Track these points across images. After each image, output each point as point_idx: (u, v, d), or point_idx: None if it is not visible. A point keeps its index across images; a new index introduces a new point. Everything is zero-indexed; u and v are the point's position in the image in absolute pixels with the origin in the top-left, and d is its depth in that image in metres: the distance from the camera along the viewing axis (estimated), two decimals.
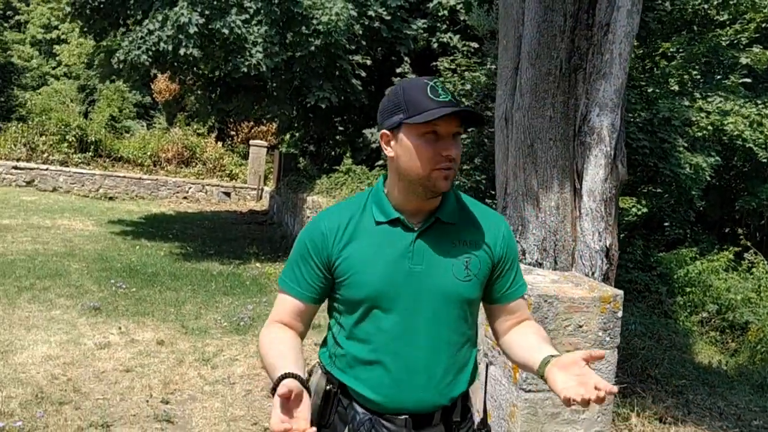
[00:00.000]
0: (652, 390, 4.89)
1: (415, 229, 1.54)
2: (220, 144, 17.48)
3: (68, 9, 8.59)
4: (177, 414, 3.79)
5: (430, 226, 1.55)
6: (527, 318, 1.70)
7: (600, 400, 1.34)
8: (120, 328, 5.33)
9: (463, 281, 1.54)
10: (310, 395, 1.42)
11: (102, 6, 8.58)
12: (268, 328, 1.60)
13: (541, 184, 3.59)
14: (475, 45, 8.23)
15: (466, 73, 8.34)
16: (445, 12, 9.49)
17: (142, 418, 3.69)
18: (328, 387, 1.58)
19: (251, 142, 16.89)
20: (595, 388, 1.33)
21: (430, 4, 9.58)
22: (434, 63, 9.32)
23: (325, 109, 9.59)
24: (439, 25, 9.65)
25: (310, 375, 1.61)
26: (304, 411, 1.36)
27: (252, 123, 18.07)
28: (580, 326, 2.87)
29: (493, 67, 8.33)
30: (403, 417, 1.52)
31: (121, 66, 7.84)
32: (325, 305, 1.66)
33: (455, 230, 1.57)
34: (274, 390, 1.36)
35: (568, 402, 1.36)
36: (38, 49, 36.67)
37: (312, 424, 1.37)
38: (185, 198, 15.71)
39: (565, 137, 3.60)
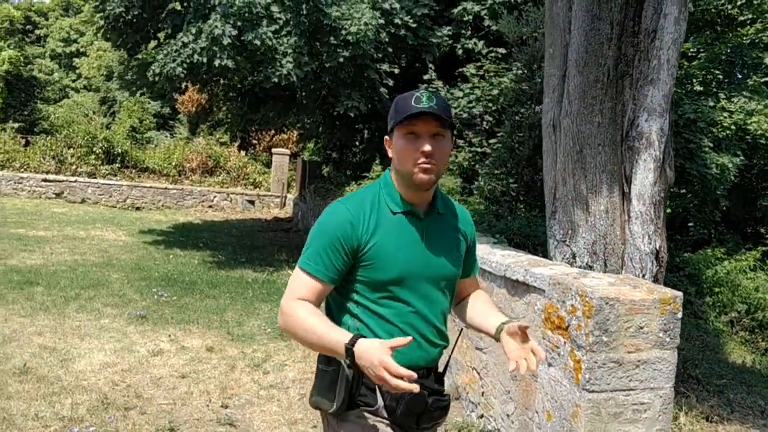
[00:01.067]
0: (695, 390, 4.94)
1: (423, 218, 1.80)
2: (243, 153, 17.67)
3: (101, 23, 8.78)
4: (238, 418, 3.90)
5: (433, 216, 1.83)
6: (478, 288, 2.07)
7: (529, 369, 1.68)
8: (169, 335, 5.47)
9: (456, 261, 1.88)
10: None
11: (134, 20, 8.77)
12: (296, 304, 1.75)
13: (590, 189, 3.66)
14: (503, 50, 8.31)
15: (494, 78, 8.44)
16: (470, 18, 9.59)
17: (206, 422, 3.81)
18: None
19: (274, 150, 17.07)
20: (532, 351, 1.69)
21: (455, 11, 9.69)
22: (460, 69, 9.42)
23: (351, 116, 9.72)
24: (463, 31, 9.75)
25: (328, 358, 1.79)
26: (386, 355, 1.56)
27: (273, 131, 18.25)
28: (641, 328, 2.94)
29: (520, 72, 8.42)
30: (421, 370, 1.77)
31: (156, 78, 8.01)
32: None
33: (445, 219, 1.87)
34: (351, 347, 1.59)
35: (513, 365, 1.68)
36: (58, 62, 37.26)
37: (344, 400, 1.73)
38: (210, 207, 15.91)
39: (613, 142, 3.67)
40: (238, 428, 3.79)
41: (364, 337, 1.64)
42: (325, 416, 1.84)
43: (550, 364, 3.20)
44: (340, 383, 1.74)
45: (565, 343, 3.05)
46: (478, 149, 8.31)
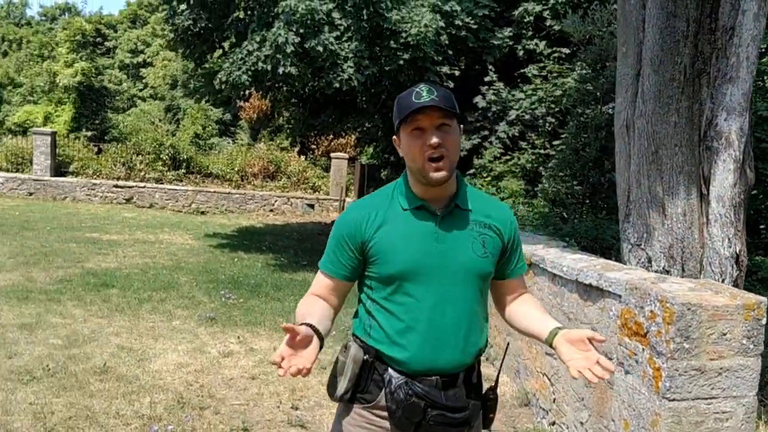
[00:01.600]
0: None
1: (438, 213, 1.76)
2: (302, 158, 17.95)
3: (171, 35, 9.09)
4: (308, 419, 3.96)
5: (451, 211, 1.78)
6: (526, 292, 1.97)
7: (600, 377, 1.60)
8: (238, 337, 5.60)
9: (481, 257, 1.79)
10: (320, 346, 1.61)
11: (201, 31, 9.04)
12: (304, 299, 1.85)
13: (666, 191, 3.56)
14: (566, 51, 8.16)
15: (557, 79, 8.31)
16: (531, 19, 9.47)
17: (278, 423, 3.88)
18: (365, 357, 1.79)
19: (332, 154, 17.26)
20: (598, 363, 1.60)
21: (516, 12, 9.58)
22: (521, 70, 9.31)
23: None
24: (524, 32, 9.63)
25: (345, 348, 1.83)
26: (310, 353, 1.55)
27: (332, 136, 18.45)
28: (724, 334, 2.83)
29: (584, 72, 8.25)
30: (434, 377, 1.74)
31: (222, 86, 8.23)
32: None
33: (468, 214, 1.80)
34: None
35: (577, 374, 1.62)
36: (126, 72, 38.79)
37: (348, 392, 1.76)
38: (271, 211, 16.21)
39: (690, 143, 3.56)
40: (308, 429, 3.85)
41: (310, 326, 1.61)
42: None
43: (627, 372, 3.12)
44: (345, 373, 1.79)
45: (643, 350, 2.97)
46: (541, 151, 8.19)
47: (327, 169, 18.02)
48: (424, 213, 1.77)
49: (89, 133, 21.87)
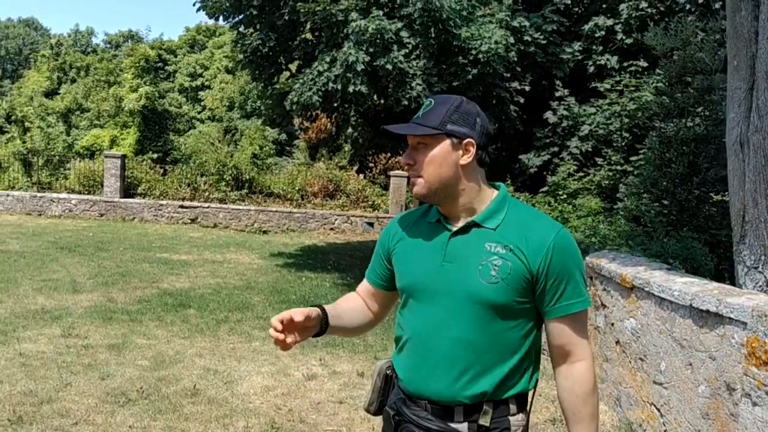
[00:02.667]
0: None
1: (452, 229, 1.66)
2: (361, 176, 18.02)
3: (241, 56, 9.27)
4: None
5: (466, 228, 1.65)
6: (572, 354, 1.64)
7: None
8: (319, 359, 5.57)
9: (488, 284, 1.58)
10: (321, 330, 1.71)
11: (270, 53, 9.18)
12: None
13: None
14: (643, 64, 7.95)
15: (633, 93, 8.08)
16: (602, 33, 9.28)
17: None
18: (387, 370, 1.77)
19: (391, 173, 17.27)
20: None
21: (586, 26, 9.41)
22: (594, 85, 9.11)
23: None
24: (594, 47, 9.44)
25: (377, 360, 1.87)
26: (302, 331, 1.66)
27: (389, 154, 18.48)
28: None
29: (660, 85, 8.00)
30: (423, 401, 1.65)
31: (293, 107, 8.32)
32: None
33: (493, 235, 1.62)
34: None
35: None
36: (185, 95, 40.00)
37: (373, 403, 1.75)
38: (332, 229, 16.29)
39: None
40: None
41: (318, 307, 1.72)
42: None
43: (755, 404, 2.92)
44: (373, 385, 1.78)
45: None
46: (617, 167, 7.96)
47: (385, 187, 18.03)
48: (440, 228, 1.69)
49: (155, 155, 22.52)
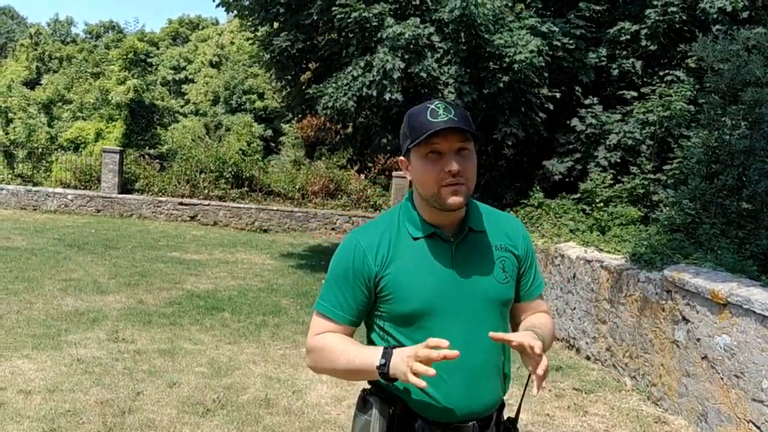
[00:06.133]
0: None
1: (452, 240, 1.59)
2: (361, 176, 17.92)
3: (267, 56, 9.12)
4: None
5: (465, 236, 1.61)
6: (542, 311, 1.77)
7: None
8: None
9: (503, 283, 1.63)
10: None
11: (297, 53, 9.05)
12: (319, 336, 1.64)
13: None
14: (678, 74, 8.02)
15: (665, 99, 8.16)
16: (627, 38, 9.33)
17: None
18: (390, 410, 1.58)
19: (394, 173, 17.19)
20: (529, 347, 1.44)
21: (610, 31, 9.45)
22: (620, 92, 9.17)
23: (498, 142, 9.65)
24: (618, 51, 9.50)
25: (365, 404, 1.60)
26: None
27: (389, 154, 18.41)
28: None
29: (690, 93, 8.08)
30: (470, 423, 1.57)
31: (327, 111, 8.19)
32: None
33: (483, 236, 1.64)
34: (384, 367, 1.46)
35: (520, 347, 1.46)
36: (168, 89, 39.37)
37: None
38: (333, 229, 16.17)
39: None
40: None
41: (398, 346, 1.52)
42: None
43: None
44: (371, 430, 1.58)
45: None
46: (651, 176, 8.03)
47: (386, 187, 17.97)
48: (438, 241, 1.59)
49: (152, 151, 22.10)
